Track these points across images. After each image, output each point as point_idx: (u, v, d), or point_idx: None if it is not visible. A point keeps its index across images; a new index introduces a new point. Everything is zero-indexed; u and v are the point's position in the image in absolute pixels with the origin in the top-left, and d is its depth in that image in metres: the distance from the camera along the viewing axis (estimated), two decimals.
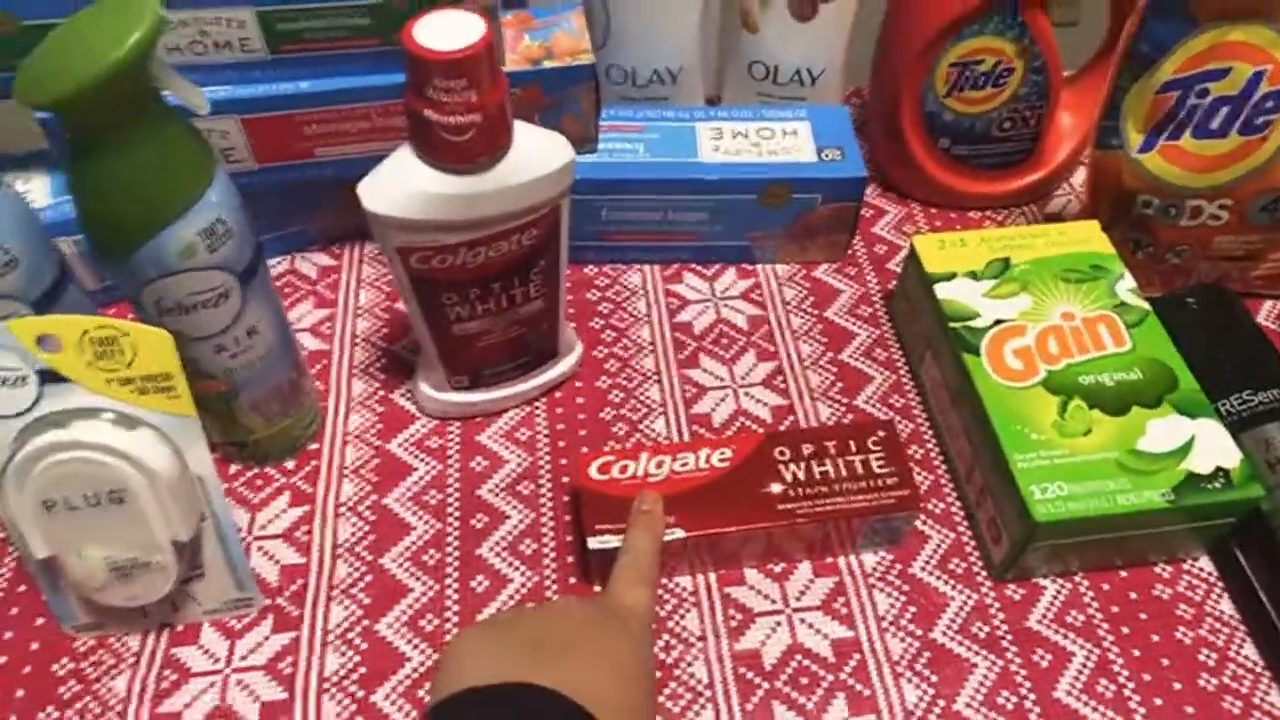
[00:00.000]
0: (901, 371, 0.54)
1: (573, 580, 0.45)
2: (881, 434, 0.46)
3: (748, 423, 0.52)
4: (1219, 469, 0.42)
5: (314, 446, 0.50)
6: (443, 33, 0.36)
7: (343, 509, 0.48)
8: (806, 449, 0.45)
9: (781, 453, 0.45)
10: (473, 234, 0.41)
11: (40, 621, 0.44)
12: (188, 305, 0.40)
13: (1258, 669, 0.43)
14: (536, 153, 0.41)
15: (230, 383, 0.44)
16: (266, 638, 0.44)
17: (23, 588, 0.45)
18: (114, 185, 0.36)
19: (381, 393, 0.53)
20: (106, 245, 0.38)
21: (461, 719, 0.31)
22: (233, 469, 0.49)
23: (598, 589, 0.45)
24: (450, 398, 0.50)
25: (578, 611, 0.36)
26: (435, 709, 0.31)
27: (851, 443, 0.45)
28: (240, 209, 0.40)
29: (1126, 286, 0.50)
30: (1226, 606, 0.45)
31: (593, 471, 0.44)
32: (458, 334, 0.46)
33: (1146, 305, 0.49)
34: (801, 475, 0.44)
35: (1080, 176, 0.65)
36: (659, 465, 0.44)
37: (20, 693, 0.42)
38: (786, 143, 0.56)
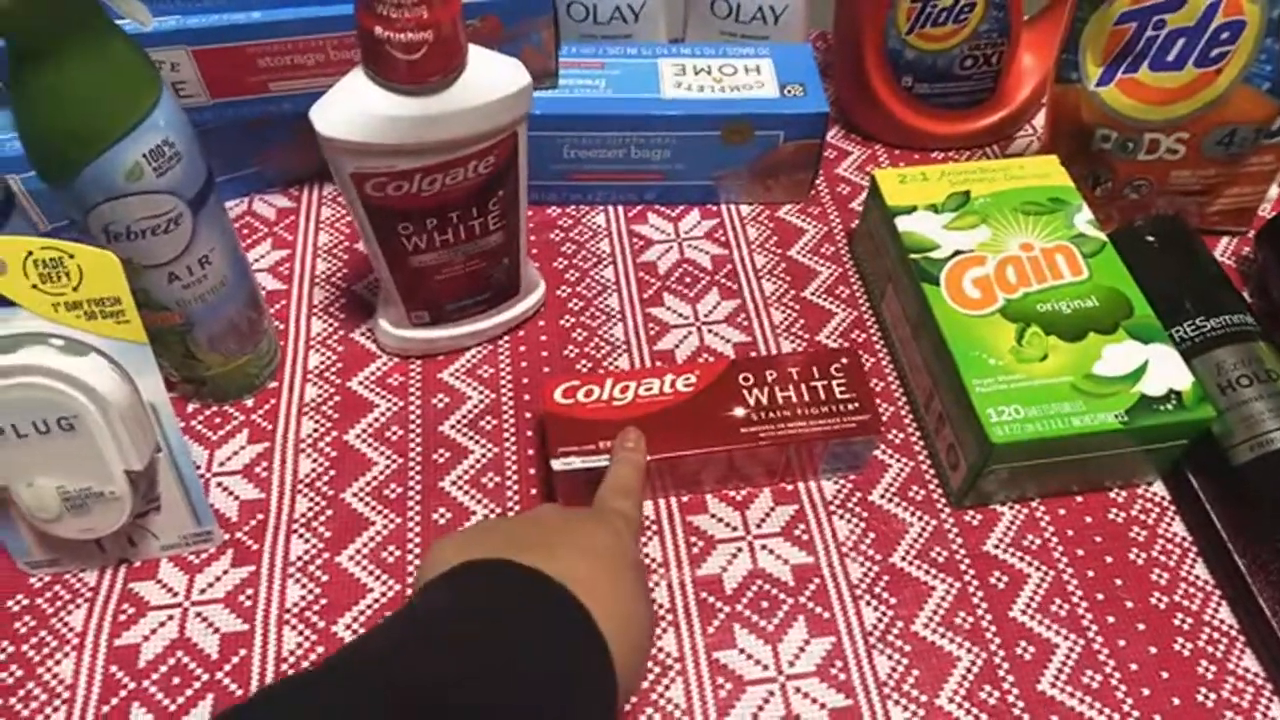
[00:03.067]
0: (863, 308, 0.54)
1: None
2: (844, 361, 0.46)
3: (710, 359, 0.52)
4: (1171, 391, 0.43)
5: (273, 385, 0.50)
6: None
7: (303, 445, 0.48)
8: (770, 375, 0.45)
9: (745, 378, 0.45)
10: (428, 159, 0.41)
11: None
12: (137, 231, 0.39)
13: (1208, 587, 0.44)
14: (492, 76, 0.40)
15: (184, 315, 0.43)
16: (226, 571, 0.43)
17: None
18: (56, 100, 0.35)
19: (341, 332, 0.52)
20: (51, 165, 0.37)
21: (438, 587, 0.32)
22: (190, 407, 0.49)
23: None
24: (410, 334, 0.50)
25: (556, 515, 0.37)
26: (418, 591, 0.33)
27: (814, 369, 0.46)
28: (189, 133, 0.39)
29: (1085, 218, 0.50)
30: (1179, 529, 0.46)
31: (558, 396, 0.44)
32: (415, 266, 0.46)
33: (1103, 236, 0.49)
34: (765, 400, 0.44)
35: (1042, 118, 0.65)
36: (624, 390, 0.44)
37: None
38: (749, 79, 0.55)
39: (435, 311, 0.49)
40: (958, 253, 0.48)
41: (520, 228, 0.47)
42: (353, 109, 0.39)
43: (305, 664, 0.41)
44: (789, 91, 0.55)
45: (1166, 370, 0.44)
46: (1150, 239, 0.51)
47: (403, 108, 0.39)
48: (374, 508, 0.45)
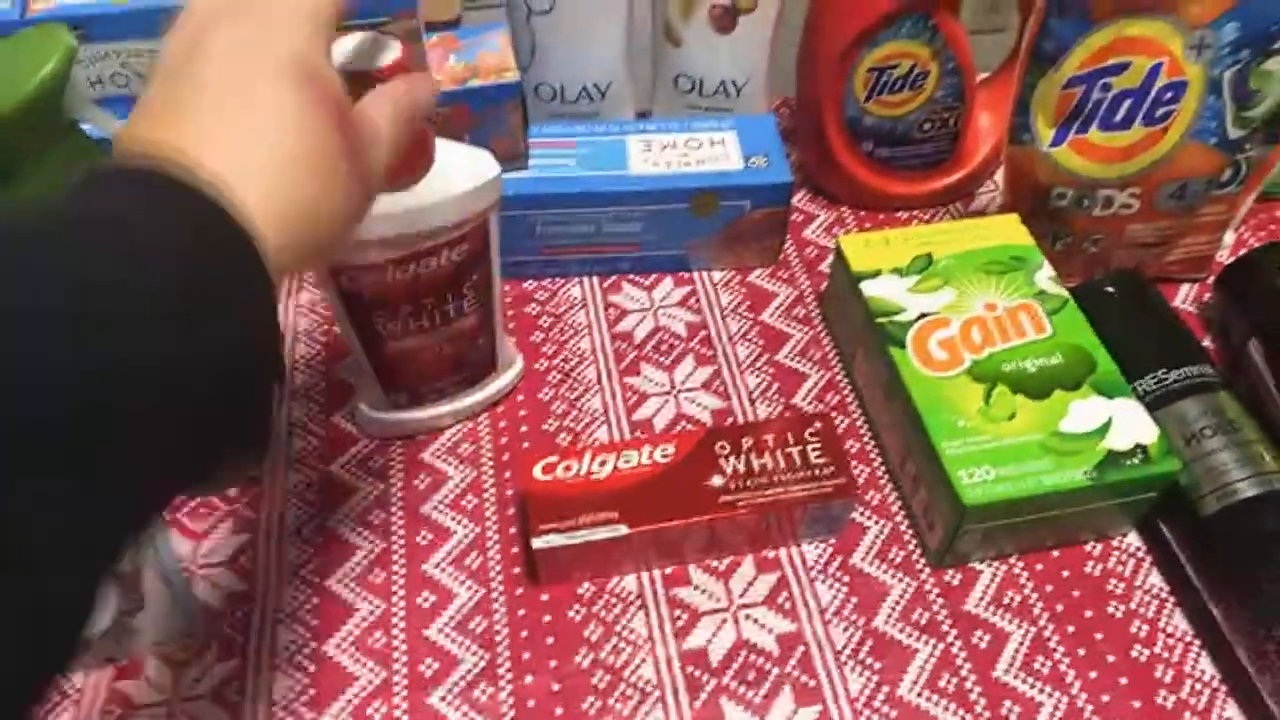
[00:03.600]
0: (835, 370, 0.55)
1: (520, 591, 0.46)
2: (818, 425, 0.47)
3: (689, 426, 0.53)
4: (1138, 446, 0.44)
5: (255, 473, 0.50)
6: (359, 54, 0.36)
7: (286, 533, 0.48)
8: (746, 443, 0.46)
9: (722, 447, 0.46)
10: (400, 251, 0.42)
11: None
12: None
13: (1188, 637, 0.44)
14: (460, 169, 0.41)
15: None
16: (212, 667, 0.43)
17: None
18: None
19: (322, 415, 0.53)
20: None
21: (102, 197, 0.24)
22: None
23: (545, 597, 0.45)
24: (390, 416, 0.50)
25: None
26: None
27: (789, 435, 0.46)
28: None
29: (1046, 275, 0.51)
30: (1155, 579, 0.46)
31: (537, 473, 0.45)
32: (392, 351, 0.47)
33: (1065, 293, 0.50)
34: (741, 468, 0.45)
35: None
36: (603, 464, 0.45)
37: None
38: (714, 152, 0.57)
39: (413, 394, 0.50)
40: (923, 315, 0.49)
41: (495, 307, 0.48)
42: None
43: None
44: (753, 163, 0.56)
45: (1131, 424, 0.45)
46: (1110, 292, 0.52)
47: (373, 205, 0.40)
48: (359, 594, 0.46)
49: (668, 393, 0.54)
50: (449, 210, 0.41)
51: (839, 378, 0.55)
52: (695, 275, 0.61)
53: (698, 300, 0.59)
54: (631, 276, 0.60)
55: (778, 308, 0.59)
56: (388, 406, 0.50)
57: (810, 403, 0.54)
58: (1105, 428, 0.45)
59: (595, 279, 0.60)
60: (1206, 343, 0.56)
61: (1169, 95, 0.51)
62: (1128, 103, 0.51)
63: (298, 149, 0.26)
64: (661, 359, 0.56)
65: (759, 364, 0.56)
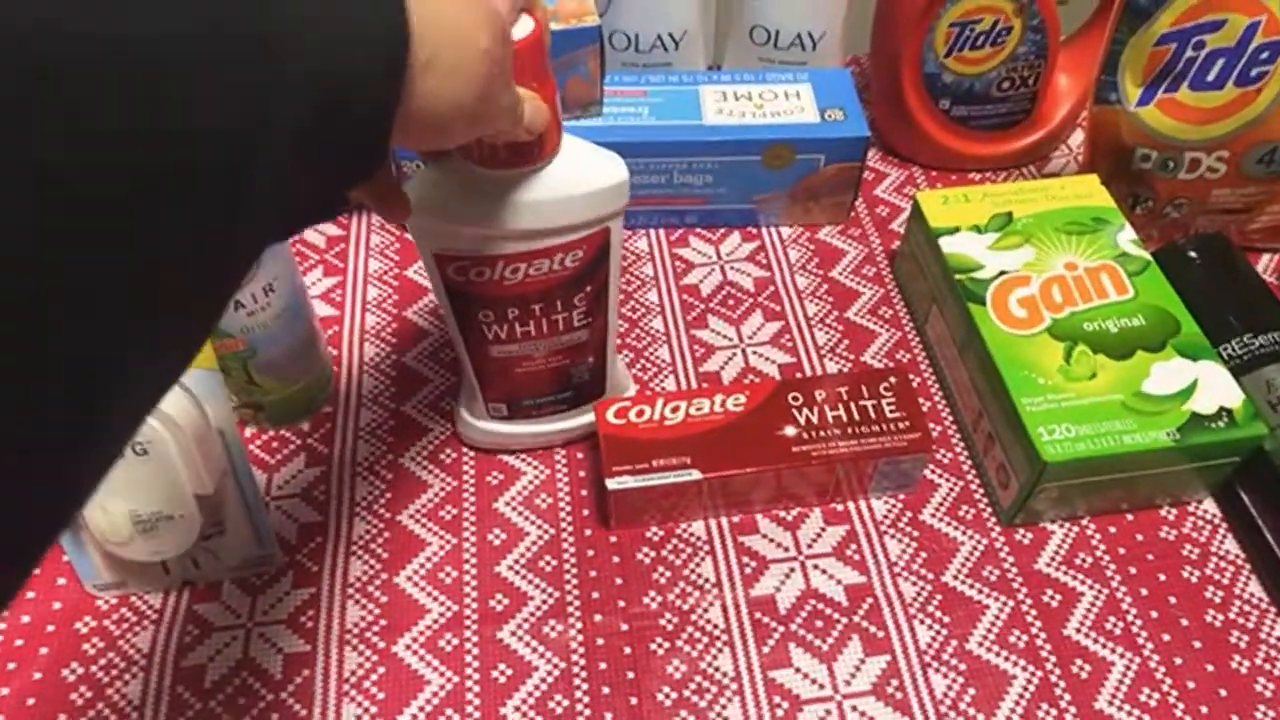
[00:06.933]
0: (907, 329, 0.55)
1: (589, 532, 0.46)
2: (893, 380, 0.46)
3: (756, 380, 0.52)
4: (1222, 409, 0.43)
5: (328, 409, 0.51)
6: None
7: (359, 469, 0.48)
8: (819, 395, 0.46)
9: (795, 398, 0.46)
10: (511, 247, 0.39)
11: (62, 581, 0.44)
12: None
13: (1263, 604, 0.44)
14: (586, 168, 0.38)
15: (247, 342, 0.45)
16: (287, 593, 0.44)
17: None
18: None
19: (394, 357, 0.53)
20: None
21: None
22: (249, 431, 0.50)
23: (614, 539, 0.46)
24: (488, 426, 0.48)
25: None
26: None
27: (863, 388, 0.46)
28: None
29: (1128, 237, 0.50)
30: (1231, 546, 0.46)
31: (610, 416, 0.45)
32: (495, 355, 0.44)
33: (1147, 255, 0.49)
34: (815, 419, 0.45)
35: (1078, 138, 0.66)
36: (675, 410, 0.45)
37: (44, 650, 0.42)
38: (789, 104, 0.56)
39: (513, 406, 0.47)
40: (1002, 273, 0.49)
41: (609, 328, 0.45)
42: (437, 188, 0.38)
43: (367, 684, 0.41)
44: (829, 115, 0.56)
45: (1216, 388, 0.44)
46: (1193, 256, 0.51)
47: (487, 191, 0.37)
48: (430, 529, 0.46)
49: (735, 346, 0.54)
50: (564, 210, 0.38)
51: (910, 337, 0.54)
52: (763, 231, 0.60)
53: (765, 256, 0.59)
54: (698, 230, 0.60)
55: (847, 265, 0.58)
56: (487, 416, 0.48)
57: (880, 360, 0.53)
58: (1189, 390, 0.44)
59: (662, 231, 0.60)
60: None
61: (1265, 55, 0.49)
62: (1221, 62, 0.50)
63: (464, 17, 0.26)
64: (729, 313, 0.56)
65: (828, 320, 0.55)
